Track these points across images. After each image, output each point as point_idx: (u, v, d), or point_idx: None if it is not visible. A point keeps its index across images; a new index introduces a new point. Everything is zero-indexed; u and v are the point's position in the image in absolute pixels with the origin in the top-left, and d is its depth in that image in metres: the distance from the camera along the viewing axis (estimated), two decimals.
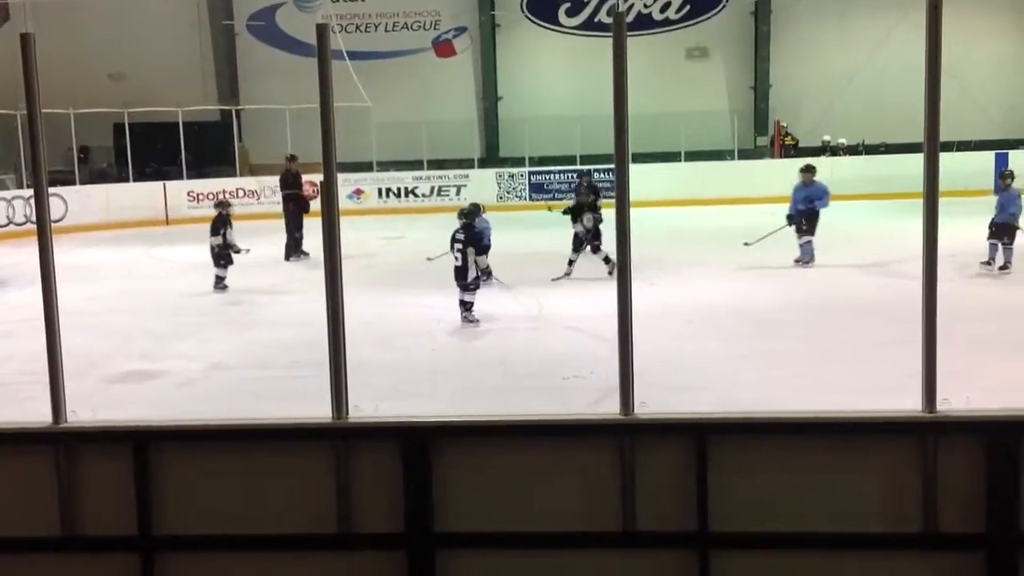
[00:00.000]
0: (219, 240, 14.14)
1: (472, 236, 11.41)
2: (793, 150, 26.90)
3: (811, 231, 13.96)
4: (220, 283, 14.19)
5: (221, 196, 15.17)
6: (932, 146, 4.46)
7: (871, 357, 9.13)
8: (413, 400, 8.11)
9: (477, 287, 11.43)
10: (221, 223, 14.29)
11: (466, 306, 11.31)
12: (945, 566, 4.58)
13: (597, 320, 10.79)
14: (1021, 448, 4.44)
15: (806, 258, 13.73)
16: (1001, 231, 13.67)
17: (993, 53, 27.75)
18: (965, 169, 22.62)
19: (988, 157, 24.70)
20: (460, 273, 11.33)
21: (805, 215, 14.05)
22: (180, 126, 25.12)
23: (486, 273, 11.64)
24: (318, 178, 4.75)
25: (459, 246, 11.34)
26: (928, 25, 4.39)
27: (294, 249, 17.20)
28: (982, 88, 26.50)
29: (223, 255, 14.21)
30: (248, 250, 14.43)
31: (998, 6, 28.09)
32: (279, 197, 20.75)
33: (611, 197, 5.16)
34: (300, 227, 17.30)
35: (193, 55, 28.97)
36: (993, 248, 13.59)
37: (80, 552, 4.85)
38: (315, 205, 17.58)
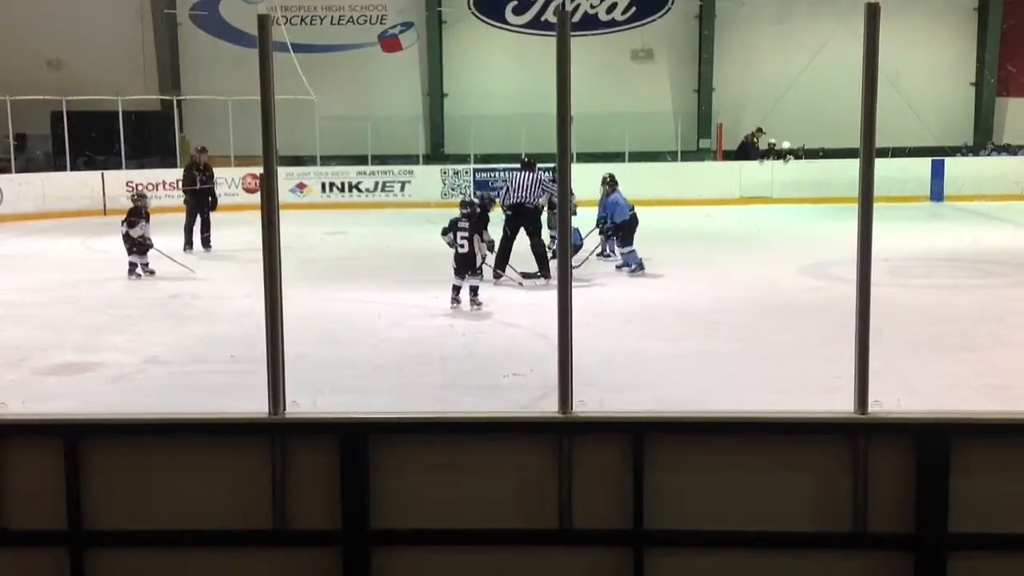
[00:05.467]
0: (139, 232, 14.31)
1: (475, 223, 11.73)
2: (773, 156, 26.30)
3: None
4: (136, 268, 14.33)
5: (139, 188, 15.45)
6: (868, 151, 4.52)
7: (805, 357, 9.26)
8: (352, 396, 8.07)
9: (483, 272, 11.90)
10: (139, 216, 14.46)
11: (474, 291, 11.62)
12: (874, 566, 4.65)
13: (538, 318, 10.83)
14: (950, 449, 4.52)
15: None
16: (627, 232, 14.39)
17: (931, 61, 28.27)
18: (901, 175, 23.08)
19: (924, 164, 25.17)
20: (468, 260, 11.58)
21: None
22: (120, 115, 24.73)
23: (491, 248, 12.17)
24: (259, 171, 4.71)
25: (464, 234, 11.60)
26: (866, 31, 4.45)
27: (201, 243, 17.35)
28: (919, 96, 26.97)
29: (137, 244, 14.35)
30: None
31: (937, 14, 28.61)
32: (221, 191, 20.82)
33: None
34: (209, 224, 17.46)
35: (134, 43, 28.50)
36: (611, 243, 14.82)
37: (7, 546, 4.76)
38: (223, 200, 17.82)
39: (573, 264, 13.34)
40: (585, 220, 14.10)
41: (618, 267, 14.50)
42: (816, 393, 7.44)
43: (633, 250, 14.28)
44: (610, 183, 14.84)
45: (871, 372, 4.58)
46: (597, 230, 14.94)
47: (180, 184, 18.52)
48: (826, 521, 4.61)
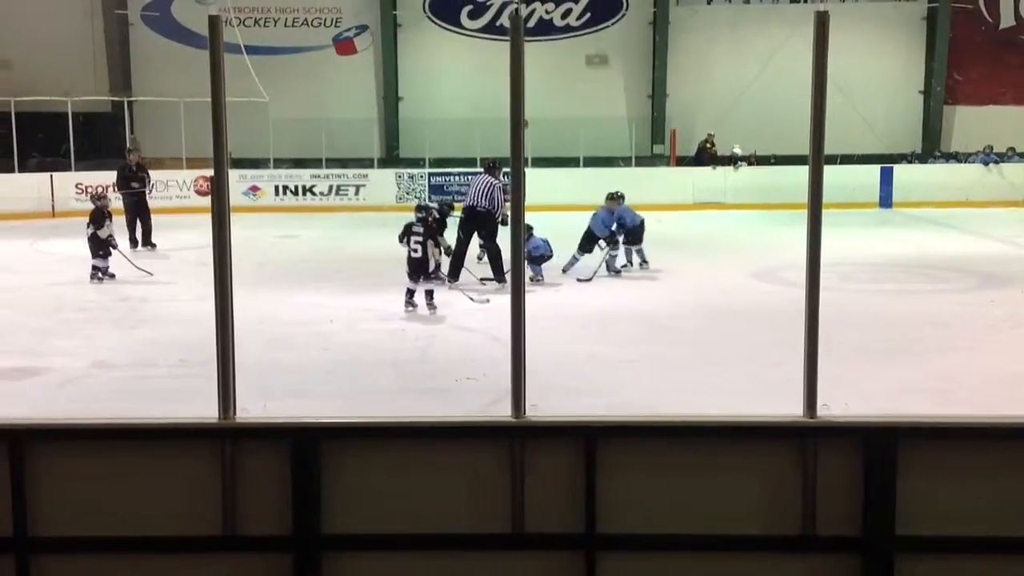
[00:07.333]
0: (107, 232, 14.06)
1: (430, 228, 11.78)
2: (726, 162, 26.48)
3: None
4: (98, 273, 14.06)
5: (99, 190, 15.18)
6: (817, 158, 4.57)
7: (756, 362, 9.32)
8: (303, 400, 8.02)
9: (437, 276, 11.94)
10: (103, 216, 14.17)
11: (429, 295, 11.64)
12: (822, 568, 4.70)
13: (493, 322, 10.83)
14: (898, 452, 4.58)
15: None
16: (635, 238, 14.83)
17: (880, 70, 28.62)
18: (850, 182, 23.37)
19: (873, 171, 25.49)
20: (420, 265, 11.59)
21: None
22: (69, 116, 24.38)
23: (448, 253, 12.38)
24: (211, 173, 4.67)
25: (418, 239, 11.62)
26: (815, 38, 4.50)
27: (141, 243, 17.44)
28: (869, 104, 27.30)
29: (103, 246, 14.08)
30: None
31: (886, 24, 28.99)
32: (172, 193, 20.75)
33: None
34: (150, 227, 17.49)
35: (85, 44, 28.12)
36: (628, 253, 14.97)
37: None
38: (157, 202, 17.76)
39: (585, 277, 13.61)
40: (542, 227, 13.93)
41: (634, 264, 15.00)
42: (766, 397, 7.50)
43: (641, 248, 15.00)
44: (621, 197, 15.01)
45: (820, 376, 4.63)
46: (612, 244, 14.72)
47: (116, 184, 18.40)
48: (775, 524, 4.65)
